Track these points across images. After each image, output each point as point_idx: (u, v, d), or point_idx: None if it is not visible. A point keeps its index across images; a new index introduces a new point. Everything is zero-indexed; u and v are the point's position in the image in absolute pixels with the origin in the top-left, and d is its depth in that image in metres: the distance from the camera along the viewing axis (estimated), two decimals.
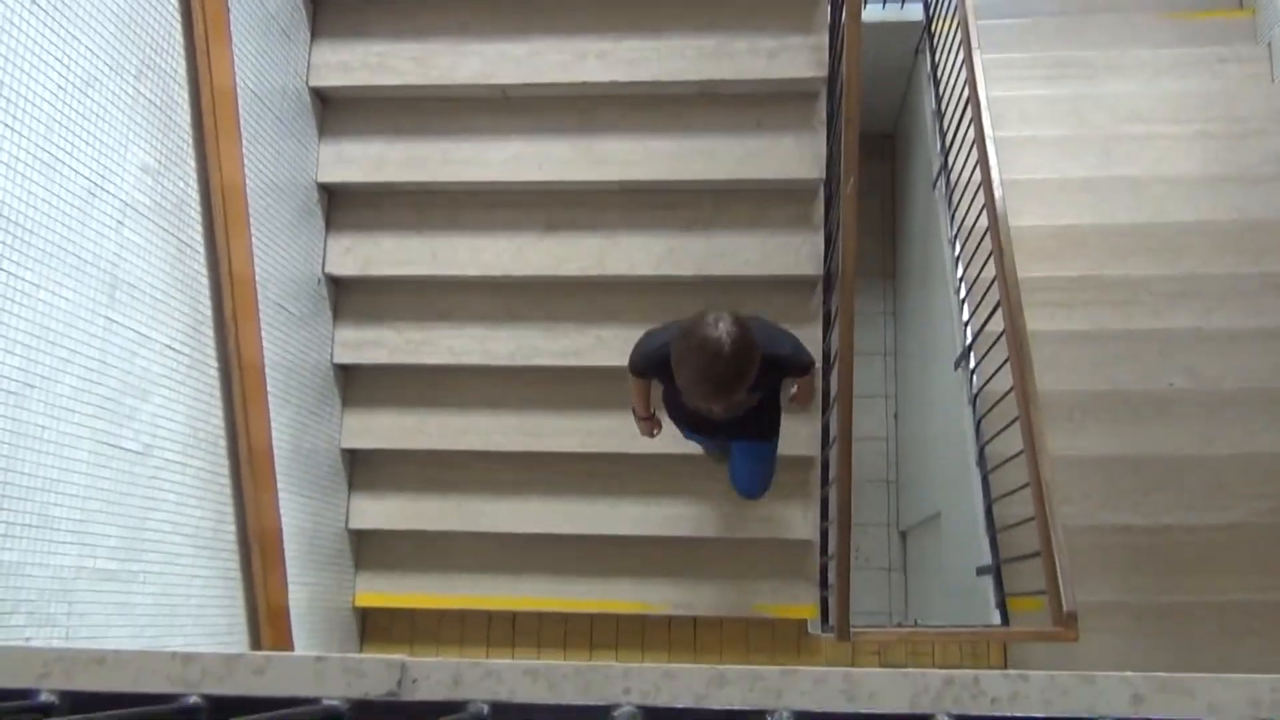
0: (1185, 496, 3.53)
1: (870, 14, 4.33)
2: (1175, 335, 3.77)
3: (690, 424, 2.90)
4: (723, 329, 2.12)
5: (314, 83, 3.54)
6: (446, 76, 3.58)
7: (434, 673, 0.73)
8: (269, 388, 3.00)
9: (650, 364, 2.54)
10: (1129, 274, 3.91)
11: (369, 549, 3.83)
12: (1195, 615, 3.44)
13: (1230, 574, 3.44)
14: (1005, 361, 3.02)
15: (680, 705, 0.67)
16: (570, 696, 0.70)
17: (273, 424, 3.02)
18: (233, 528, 2.86)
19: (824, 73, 3.52)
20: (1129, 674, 0.69)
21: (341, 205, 3.74)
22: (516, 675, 0.71)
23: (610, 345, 3.64)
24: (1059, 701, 0.69)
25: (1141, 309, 3.85)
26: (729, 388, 2.17)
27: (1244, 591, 3.41)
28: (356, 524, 3.74)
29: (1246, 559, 3.44)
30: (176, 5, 2.57)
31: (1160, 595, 3.46)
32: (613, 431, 3.63)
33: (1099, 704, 0.69)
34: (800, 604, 3.64)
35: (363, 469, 3.81)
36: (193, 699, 0.65)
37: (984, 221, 3.17)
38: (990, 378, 3.30)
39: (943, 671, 0.70)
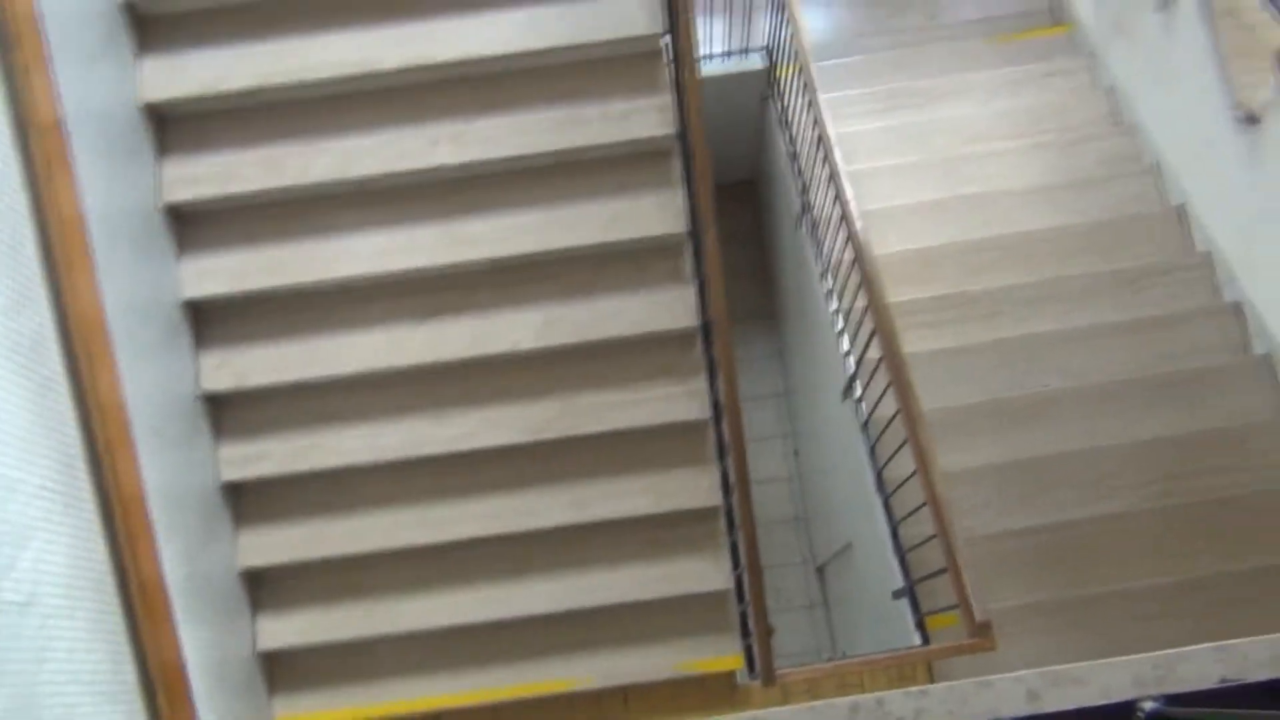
0: (1075, 492, 3.66)
1: (715, 67, 4.46)
2: (1041, 339, 3.93)
3: None
4: None
5: (165, 200, 3.47)
6: (300, 177, 3.54)
7: None
8: (153, 517, 2.88)
9: None
10: (989, 286, 4.07)
11: (284, 668, 3.69)
12: (1106, 604, 3.54)
13: (1130, 561, 3.56)
14: (889, 386, 3.10)
15: None
16: None
17: (162, 554, 2.89)
18: (132, 669, 2.72)
19: (675, 129, 3.60)
20: (1023, 672, 0.71)
21: (209, 320, 3.65)
22: None
23: (498, 424, 3.61)
24: (961, 710, 0.70)
25: (1005, 318, 4.00)
26: None
27: (1146, 576, 3.52)
28: (266, 645, 3.59)
29: (1143, 544, 3.57)
30: (11, 141, 2.50)
31: (1069, 590, 3.56)
32: (512, 511, 3.59)
33: (1000, 706, 0.70)
34: (725, 655, 3.62)
35: (266, 586, 3.67)
36: None
37: (850, 254, 3.27)
38: (877, 404, 3.38)
39: (848, 699, 0.71)
